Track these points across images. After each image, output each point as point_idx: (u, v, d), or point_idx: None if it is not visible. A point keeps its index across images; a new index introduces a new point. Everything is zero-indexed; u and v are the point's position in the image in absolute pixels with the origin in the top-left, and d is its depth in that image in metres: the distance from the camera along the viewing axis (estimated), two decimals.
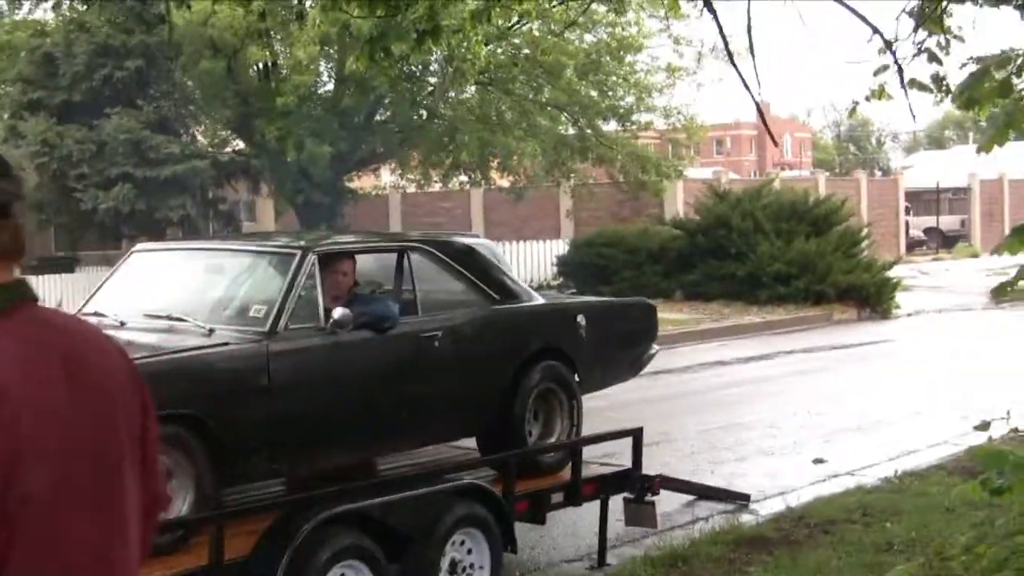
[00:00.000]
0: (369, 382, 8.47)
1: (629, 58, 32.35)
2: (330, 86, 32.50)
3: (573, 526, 10.39)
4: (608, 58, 31.62)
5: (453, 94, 32.57)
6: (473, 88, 32.89)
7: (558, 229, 40.15)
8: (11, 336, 2.40)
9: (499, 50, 30.86)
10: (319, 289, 8.29)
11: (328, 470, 8.79)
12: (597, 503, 9.77)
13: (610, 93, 32.15)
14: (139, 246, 9.49)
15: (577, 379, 9.84)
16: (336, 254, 8.72)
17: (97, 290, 9.11)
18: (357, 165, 34.01)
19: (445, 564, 8.18)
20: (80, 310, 9.00)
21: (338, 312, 8.13)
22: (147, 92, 31.12)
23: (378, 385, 8.51)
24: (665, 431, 15.36)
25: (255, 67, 30.77)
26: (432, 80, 31.89)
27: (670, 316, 28.57)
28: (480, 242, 20.99)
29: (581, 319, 9.99)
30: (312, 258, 8.33)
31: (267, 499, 8.46)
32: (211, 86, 31.25)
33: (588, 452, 9.98)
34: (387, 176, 41.58)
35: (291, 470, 8.55)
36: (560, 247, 36.21)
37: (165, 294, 8.69)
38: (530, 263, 35.47)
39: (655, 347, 10.98)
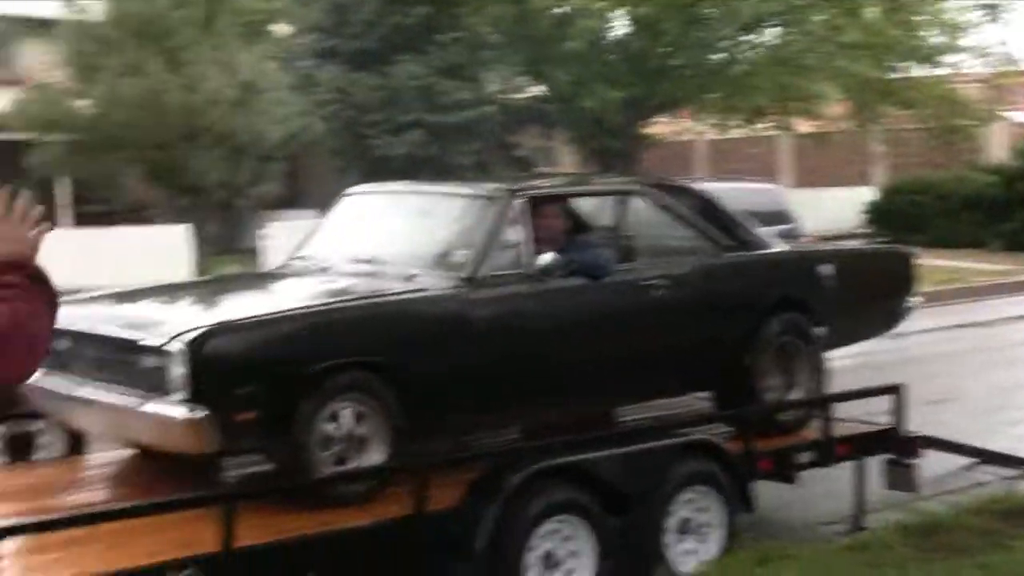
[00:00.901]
0: (578, 332, 8.06)
1: None
2: (624, 31, 32.02)
3: (835, 487, 9.68)
4: None
5: (751, 37, 31.72)
6: (778, 30, 31.99)
7: (867, 175, 38.87)
8: None
9: None
10: (526, 234, 7.90)
11: (543, 424, 8.44)
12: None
13: (916, 33, 30.58)
14: (351, 189, 9.32)
15: (821, 332, 9.20)
16: (546, 198, 8.34)
17: (312, 234, 8.96)
18: (653, 111, 33.42)
19: (673, 523, 7.75)
20: (292, 255, 8.90)
21: (545, 258, 7.76)
22: (436, 39, 31.20)
23: (588, 335, 8.09)
24: (955, 388, 14.56)
25: (545, 12, 30.46)
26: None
27: (981, 267, 27.38)
28: (766, 188, 20.53)
29: (826, 269, 9.35)
30: (518, 202, 7.96)
31: (474, 450, 8.20)
32: (502, 31, 31.20)
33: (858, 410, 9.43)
34: (688, 123, 40.82)
35: (495, 424, 8.26)
36: (868, 194, 35.05)
37: (373, 238, 8.50)
38: (836, 210, 34.34)
39: (913, 300, 10.24)
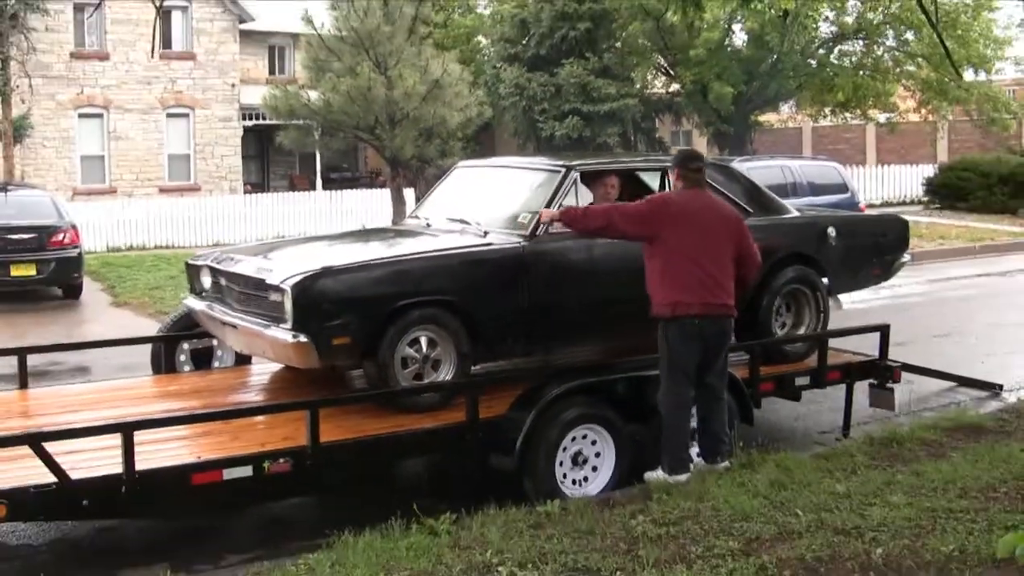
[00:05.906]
0: (618, 283, 7.52)
1: (986, 14, 29.26)
2: (740, 40, 31.30)
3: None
4: (965, 16, 28.68)
5: (840, 47, 30.75)
6: (861, 43, 30.95)
7: (934, 156, 37.13)
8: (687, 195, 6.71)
9: (870, 13, 28.73)
10: (578, 201, 7.45)
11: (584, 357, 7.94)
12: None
13: (969, 45, 29.14)
14: (462, 163, 8.93)
15: (825, 282, 8.56)
16: (598, 171, 7.87)
17: (427, 196, 8.63)
18: (763, 104, 32.56)
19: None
20: (410, 214, 8.59)
21: None
22: (595, 47, 30.62)
23: (626, 286, 7.54)
24: (960, 325, 13.59)
25: (678, 26, 29.83)
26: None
27: (1008, 228, 25.93)
28: (826, 164, 19.49)
29: (831, 231, 8.68)
30: (573, 175, 7.51)
31: (519, 371, 7.71)
32: (649, 40, 30.63)
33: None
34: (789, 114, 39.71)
35: (543, 354, 7.79)
36: (928, 171, 33.49)
37: (467, 202, 8.08)
38: (903, 183, 32.88)
39: (906, 256, 9.45)
